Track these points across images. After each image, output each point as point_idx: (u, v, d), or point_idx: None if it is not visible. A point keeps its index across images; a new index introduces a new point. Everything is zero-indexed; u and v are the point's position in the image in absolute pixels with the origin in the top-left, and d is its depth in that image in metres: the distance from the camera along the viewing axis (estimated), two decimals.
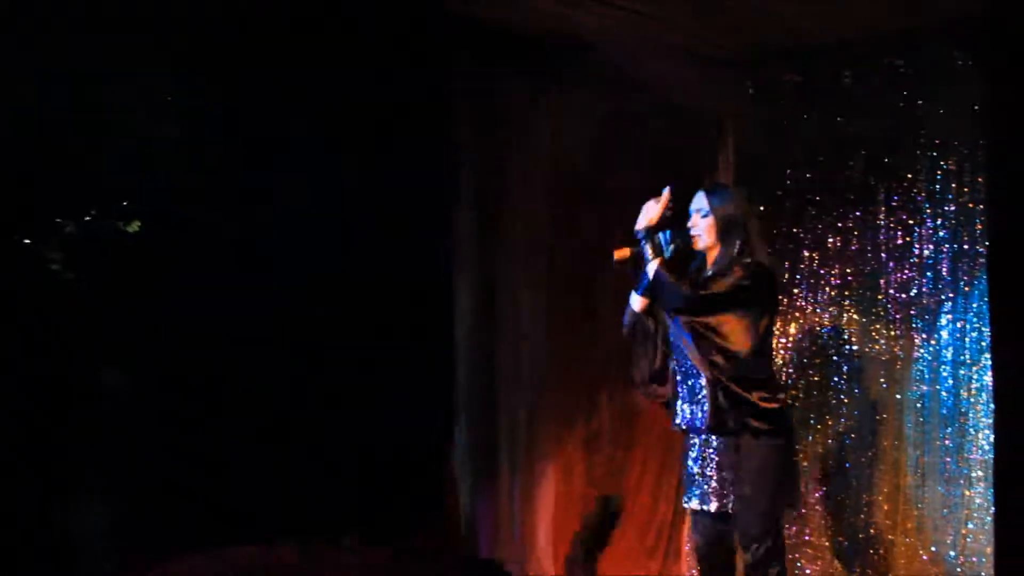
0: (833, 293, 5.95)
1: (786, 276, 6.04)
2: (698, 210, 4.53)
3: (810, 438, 5.93)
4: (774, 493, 4.44)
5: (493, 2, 5.48)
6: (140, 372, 5.15)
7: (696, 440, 4.55)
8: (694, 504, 4.57)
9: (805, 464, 5.88)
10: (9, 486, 4.78)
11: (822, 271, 6.00)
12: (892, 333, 5.82)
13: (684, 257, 4.55)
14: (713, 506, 4.49)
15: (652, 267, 4.37)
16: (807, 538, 5.90)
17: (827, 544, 5.88)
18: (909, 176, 5.78)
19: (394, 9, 5.36)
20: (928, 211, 5.73)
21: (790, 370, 6.03)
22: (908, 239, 5.78)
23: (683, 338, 4.42)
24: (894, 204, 5.82)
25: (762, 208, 6.07)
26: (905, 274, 5.79)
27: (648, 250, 4.43)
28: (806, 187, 6.03)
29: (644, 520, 6.42)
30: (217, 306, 5.30)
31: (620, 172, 6.10)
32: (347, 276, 5.64)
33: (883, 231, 5.84)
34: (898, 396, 5.78)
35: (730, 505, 4.47)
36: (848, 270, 5.94)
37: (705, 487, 4.50)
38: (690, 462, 4.58)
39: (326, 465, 5.59)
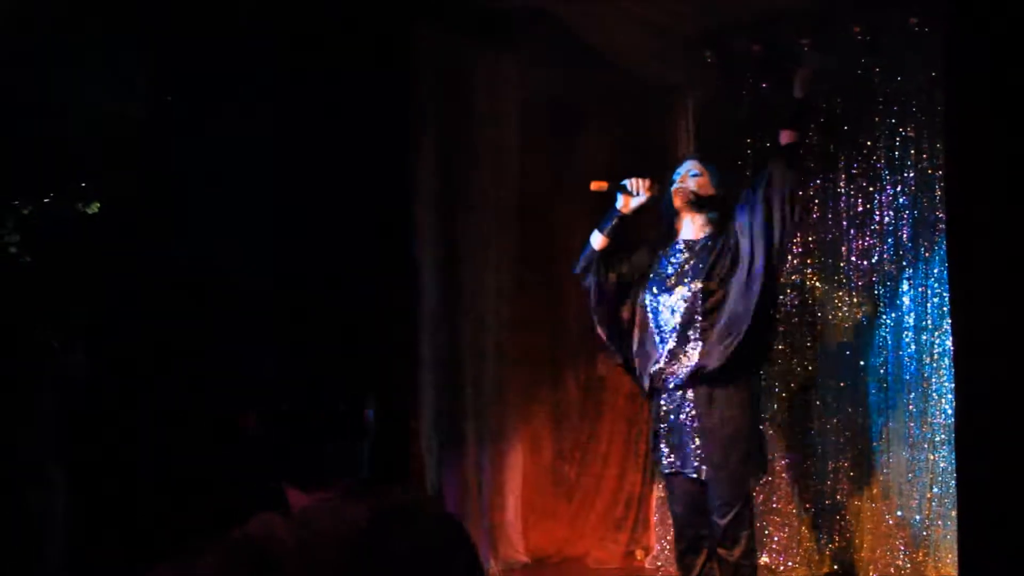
0: (795, 261, 5.97)
1: None
2: (688, 171, 4.73)
3: (775, 406, 5.95)
4: (745, 458, 4.55)
5: None
6: (98, 356, 5.11)
7: (671, 399, 4.64)
8: (676, 468, 4.64)
9: (771, 432, 5.89)
10: None
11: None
12: (854, 300, 5.85)
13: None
14: (691, 470, 4.57)
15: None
16: (774, 505, 5.94)
17: (794, 511, 5.91)
18: (868, 144, 5.81)
19: None
20: (888, 178, 5.76)
21: None
22: (868, 206, 5.81)
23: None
24: (854, 172, 5.85)
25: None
26: (866, 241, 5.82)
27: (622, 199, 4.69)
28: (766, 155, 6.01)
29: (613, 491, 6.44)
30: (176, 290, 5.28)
31: (582, 143, 6.10)
32: (308, 250, 5.60)
33: (843, 199, 5.87)
34: (861, 363, 5.82)
35: (704, 471, 4.55)
36: (810, 238, 5.96)
37: (686, 451, 4.58)
38: (663, 425, 4.67)
39: (284, 437, 5.56)
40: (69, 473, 4.91)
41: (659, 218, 4.86)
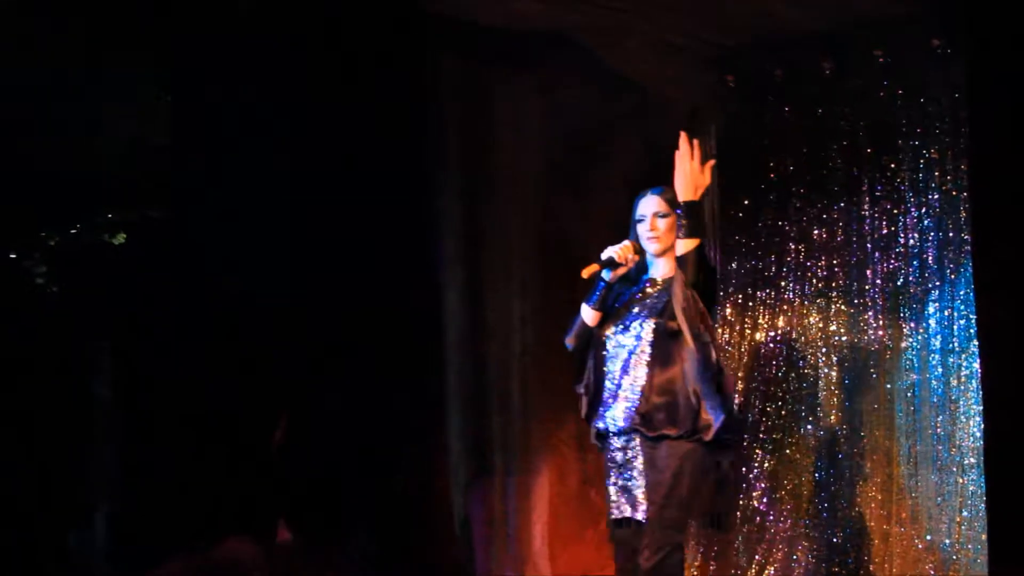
0: (820, 285, 5.96)
1: (772, 269, 6.06)
2: (655, 213, 4.34)
3: (801, 430, 5.93)
4: (685, 503, 4.15)
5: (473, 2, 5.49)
6: (125, 380, 5.15)
7: (620, 444, 4.28)
8: (625, 514, 4.25)
9: (797, 456, 5.88)
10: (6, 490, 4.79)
11: (808, 263, 6.01)
12: (880, 323, 5.83)
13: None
14: (640, 513, 4.20)
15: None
16: (802, 531, 5.90)
17: (822, 537, 5.87)
18: (892, 166, 5.80)
19: (375, 10, 5.37)
20: (912, 200, 5.74)
21: (780, 362, 6.03)
22: (893, 229, 5.79)
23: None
24: (878, 194, 5.83)
25: (746, 202, 6.10)
26: (891, 264, 5.80)
27: (610, 273, 4.30)
28: (789, 179, 6.04)
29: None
30: (203, 311, 5.30)
31: (603, 165, 6.10)
32: (335, 276, 5.63)
33: (868, 221, 5.86)
34: (888, 385, 5.79)
35: (643, 511, 4.20)
36: (834, 261, 5.95)
37: (634, 495, 4.24)
38: (615, 471, 4.30)
39: (317, 467, 5.58)
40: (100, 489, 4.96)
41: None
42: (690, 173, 4.23)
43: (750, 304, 6.11)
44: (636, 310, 4.34)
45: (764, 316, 6.08)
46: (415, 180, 5.79)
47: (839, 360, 5.93)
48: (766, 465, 5.95)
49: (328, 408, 5.60)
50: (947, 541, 5.55)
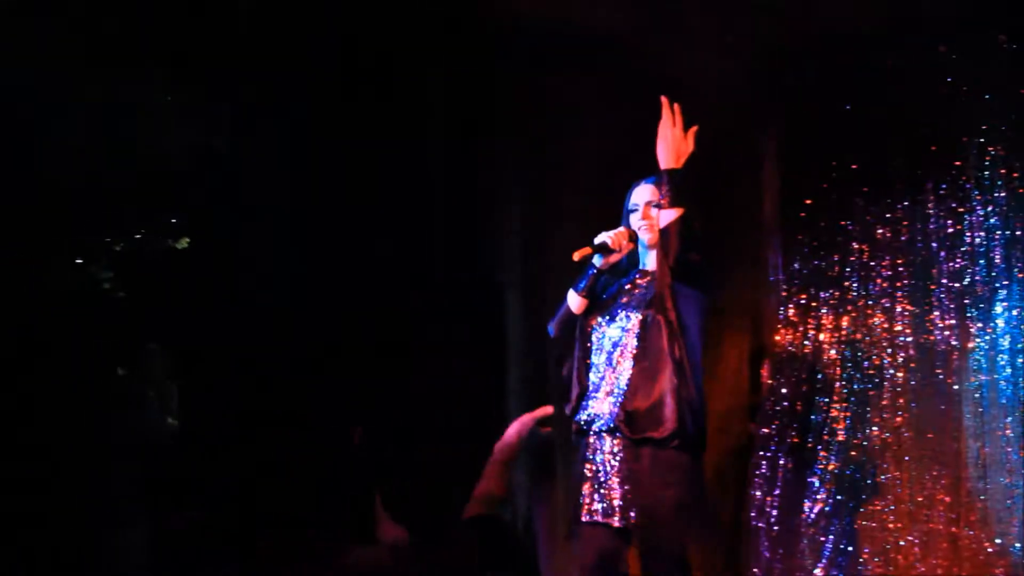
0: (885, 285, 5.89)
1: (836, 269, 6.00)
2: (648, 202, 4.28)
3: (866, 432, 5.86)
4: (680, 507, 3.99)
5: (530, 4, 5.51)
6: (188, 384, 5.22)
7: (599, 443, 4.13)
8: (597, 518, 4.06)
9: (862, 459, 5.82)
10: (54, 491, 4.87)
11: (872, 263, 5.94)
12: (947, 323, 5.75)
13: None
14: (616, 521, 4.04)
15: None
16: (867, 534, 5.83)
17: (888, 540, 5.80)
18: (957, 164, 5.72)
19: (430, 13, 5.41)
20: (978, 198, 5.67)
21: (844, 364, 5.97)
22: (959, 227, 5.72)
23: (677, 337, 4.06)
24: (943, 192, 5.76)
25: (808, 202, 6.05)
26: (957, 263, 5.73)
27: (602, 258, 4.26)
28: (852, 179, 5.97)
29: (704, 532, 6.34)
30: (265, 316, 5.36)
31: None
32: (399, 283, 5.67)
33: (933, 220, 5.78)
34: (955, 387, 5.71)
35: (631, 518, 4.03)
36: (899, 261, 5.87)
37: (609, 499, 4.06)
38: (587, 469, 4.12)
39: (380, 471, 5.62)
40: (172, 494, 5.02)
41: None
42: (672, 139, 4.14)
43: (813, 305, 6.04)
44: (624, 300, 4.22)
45: (828, 317, 6.02)
46: (474, 183, 5.82)
47: (904, 361, 5.85)
48: (830, 467, 5.89)
49: (387, 412, 5.65)
50: (1017, 545, 5.47)
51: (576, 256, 4.23)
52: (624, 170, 6.28)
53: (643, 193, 4.32)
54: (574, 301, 4.30)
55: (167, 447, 5.23)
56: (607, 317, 4.23)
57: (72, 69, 5.05)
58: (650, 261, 4.28)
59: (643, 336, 4.10)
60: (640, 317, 4.13)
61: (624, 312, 4.19)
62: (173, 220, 5.38)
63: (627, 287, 4.27)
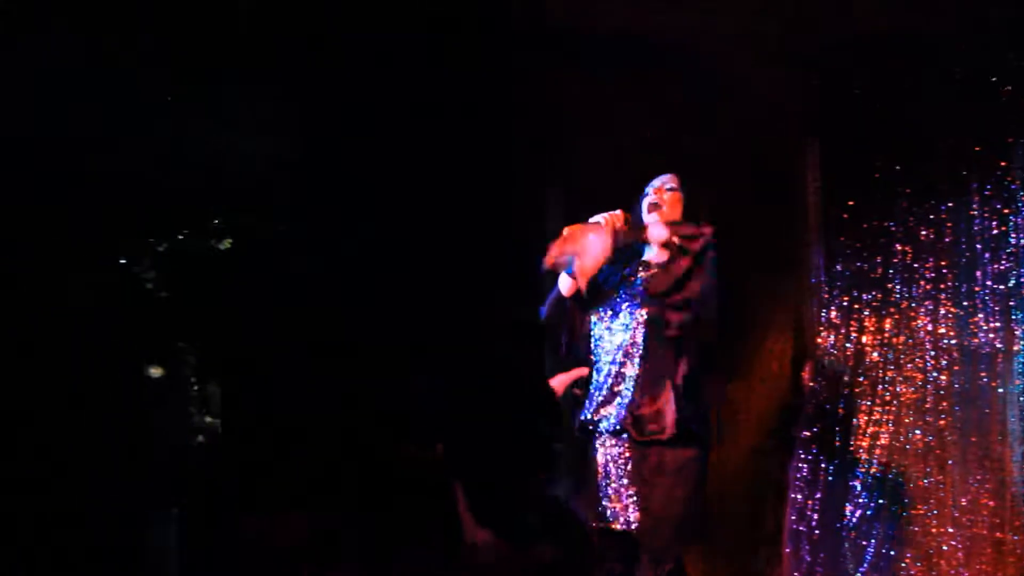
0: (928, 287, 5.85)
1: (879, 271, 5.96)
2: (663, 184, 4.32)
3: (909, 435, 5.82)
4: (689, 505, 4.03)
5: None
6: (232, 386, 5.24)
7: (605, 444, 4.11)
8: (608, 522, 4.05)
9: (905, 462, 5.78)
10: (103, 496, 4.89)
11: (916, 264, 5.90)
12: (991, 325, 5.70)
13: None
14: (621, 524, 4.02)
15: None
16: (910, 538, 5.80)
17: (931, 545, 5.76)
18: (1002, 164, 5.67)
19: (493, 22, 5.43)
20: (1023, 199, 5.62)
21: (886, 366, 5.93)
22: (1004, 228, 5.67)
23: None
24: (987, 193, 5.71)
25: (851, 203, 6.01)
26: (1002, 264, 5.68)
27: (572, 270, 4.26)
28: (896, 180, 5.93)
29: (740, 525, 6.33)
30: (312, 315, 5.37)
31: (703, 169, 6.05)
32: (444, 288, 5.66)
33: (977, 221, 5.73)
34: (1000, 390, 5.65)
35: (638, 520, 4.03)
36: (943, 262, 5.83)
37: (622, 502, 4.06)
38: (602, 471, 4.11)
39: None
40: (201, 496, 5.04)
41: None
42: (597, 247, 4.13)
43: (855, 307, 6.00)
44: (626, 293, 4.20)
45: (870, 319, 5.98)
46: (530, 193, 5.83)
47: (948, 364, 5.80)
48: (872, 471, 5.85)
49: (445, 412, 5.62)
50: None
51: (565, 231, 4.21)
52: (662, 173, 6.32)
53: (660, 179, 4.33)
54: (564, 284, 4.28)
55: (209, 447, 5.24)
56: (607, 311, 4.20)
57: (128, 68, 5.08)
58: (651, 253, 4.22)
59: (650, 335, 4.08)
60: (645, 316, 4.10)
61: (628, 308, 4.15)
62: (216, 221, 5.39)
63: (628, 276, 4.23)
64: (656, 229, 4.26)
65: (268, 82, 5.46)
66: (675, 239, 4.10)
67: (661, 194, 4.26)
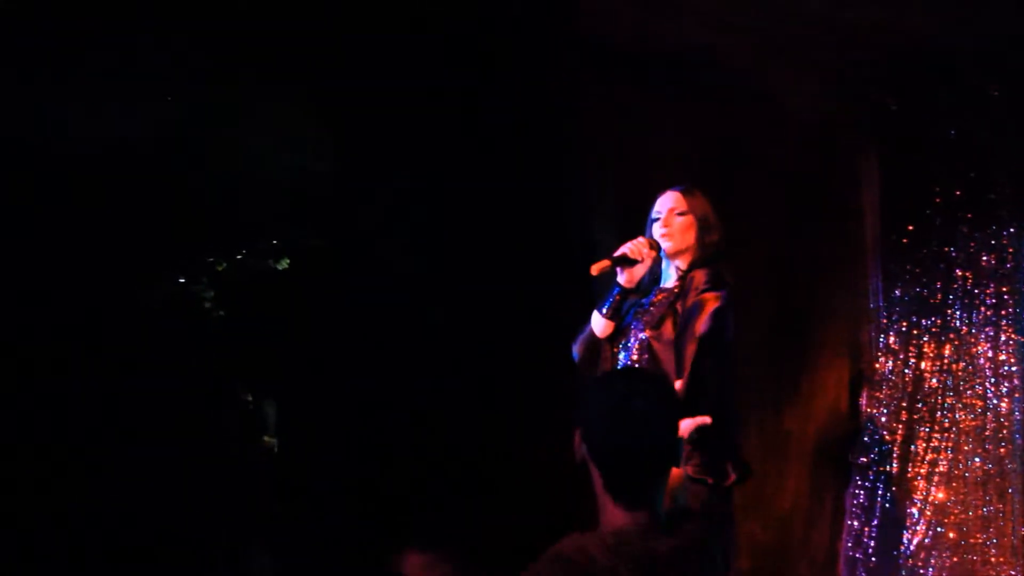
0: (989, 313, 5.79)
1: (938, 296, 5.90)
2: (671, 209, 4.11)
3: (968, 463, 5.75)
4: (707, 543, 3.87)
5: (626, 24, 5.51)
6: (288, 406, 5.26)
7: None
8: None
9: (964, 490, 5.71)
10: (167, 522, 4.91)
11: (976, 290, 5.84)
12: None
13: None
14: None
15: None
16: (969, 567, 5.71)
17: (990, 574, 5.68)
18: None
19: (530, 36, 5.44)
20: None
21: (945, 393, 5.87)
22: None
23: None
24: None
25: (910, 228, 5.96)
26: None
27: (624, 273, 4.09)
28: (956, 204, 5.88)
29: (797, 550, 6.27)
30: (366, 336, 5.39)
31: (753, 193, 6.02)
32: (489, 300, 5.65)
33: None
34: None
35: None
36: (1004, 288, 5.77)
37: None
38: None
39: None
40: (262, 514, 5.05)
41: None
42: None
43: (914, 332, 5.95)
44: (639, 319, 4.05)
45: (929, 345, 5.92)
46: (569, 204, 5.81)
47: (1009, 391, 5.74)
48: (930, 498, 5.78)
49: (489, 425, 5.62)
50: None
51: (594, 270, 4.07)
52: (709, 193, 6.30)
53: (667, 200, 4.17)
54: (598, 324, 4.13)
55: (266, 465, 5.26)
56: (623, 342, 4.09)
57: (174, 86, 5.12)
58: (669, 279, 4.13)
59: (651, 360, 3.96)
60: (643, 337, 4.00)
61: (633, 332, 4.06)
62: (275, 241, 5.42)
63: (647, 307, 4.10)
64: (670, 254, 4.18)
65: (324, 102, 5.49)
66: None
67: (672, 219, 4.14)
